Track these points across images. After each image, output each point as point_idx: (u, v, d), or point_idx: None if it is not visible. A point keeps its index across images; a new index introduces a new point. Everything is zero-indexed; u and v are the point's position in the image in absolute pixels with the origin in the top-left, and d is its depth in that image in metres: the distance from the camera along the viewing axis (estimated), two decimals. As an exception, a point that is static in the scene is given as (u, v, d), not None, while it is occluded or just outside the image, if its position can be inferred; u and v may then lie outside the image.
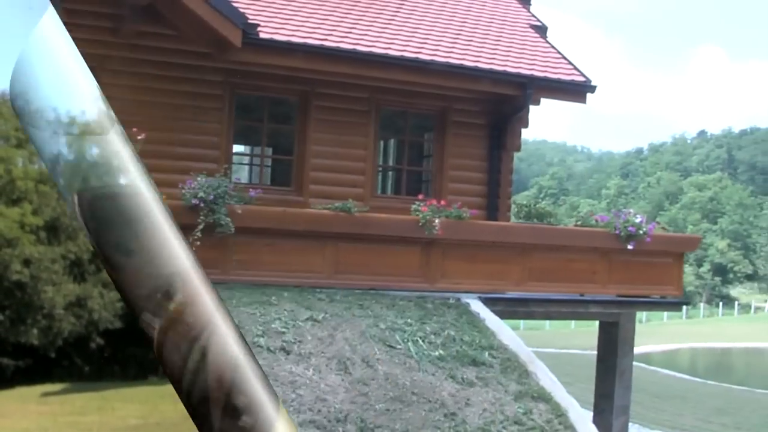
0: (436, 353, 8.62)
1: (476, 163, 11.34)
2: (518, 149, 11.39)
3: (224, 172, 9.59)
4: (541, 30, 12.30)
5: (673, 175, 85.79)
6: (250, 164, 12.32)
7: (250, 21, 8.87)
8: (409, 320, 9.18)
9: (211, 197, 8.98)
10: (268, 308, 8.58)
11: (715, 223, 68.23)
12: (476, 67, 10.43)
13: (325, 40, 9.93)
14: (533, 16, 12.68)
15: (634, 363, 12.47)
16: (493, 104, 11.32)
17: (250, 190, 9.33)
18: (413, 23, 11.24)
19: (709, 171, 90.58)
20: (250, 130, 11.21)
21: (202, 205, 8.91)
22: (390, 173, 12.62)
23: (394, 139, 12.15)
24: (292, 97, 10.70)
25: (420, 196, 10.17)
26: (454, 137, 11.23)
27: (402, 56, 10.11)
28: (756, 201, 72.30)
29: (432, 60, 10.23)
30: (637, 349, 30.50)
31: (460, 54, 10.62)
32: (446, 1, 12.28)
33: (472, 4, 12.56)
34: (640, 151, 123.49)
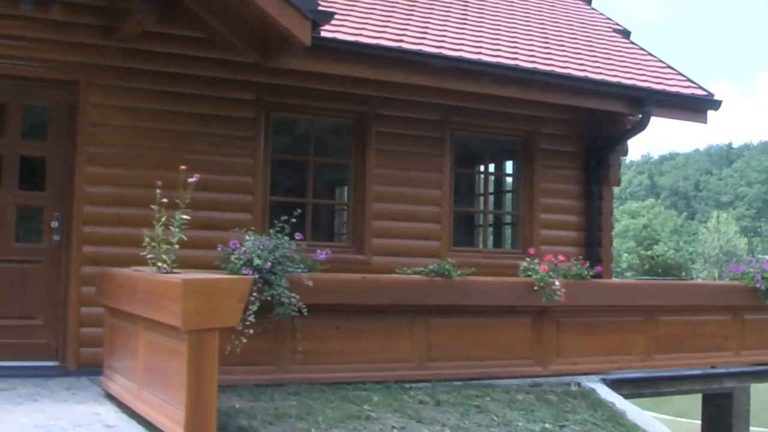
0: (604, 476, 6.07)
1: (571, 203, 8.89)
2: (619, 183, 9.04)
3: (270, 227, 6.81)
4: (626, 35, 10.09)
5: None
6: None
7: (321, 8, 6.17)
8: (545, 425, 6.58)
9: (268, 264, 6.19)
10: (369, 426, 5.82)
11: (650, 251, 67.51)
12: (586, 77, 8.03)
13: (401, 41, 7.33)
14: (609, 18, 10.49)
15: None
16: (588, 127, 8.95)
17: (318, 250, 6.56)
18: (491, 26, 8.76)
19: (633, 197, 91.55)
20: (290, 166, 8.38)
21: (256, 276, 6.11)
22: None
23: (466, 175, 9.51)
24: (345, 120, 8.01)
25: (531, 251, 7.61)
26: (543, 170, 8.77)
27: (498, 63, 7.61)
28: (690, 227, 72.85)
29: (534, 69, 7.77)
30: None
31: (560, 62, 8.21)
32: (513, 2, 9.92)
33: (540, 4, 10.25)
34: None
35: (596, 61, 8.62)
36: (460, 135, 8.49)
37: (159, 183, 5.24)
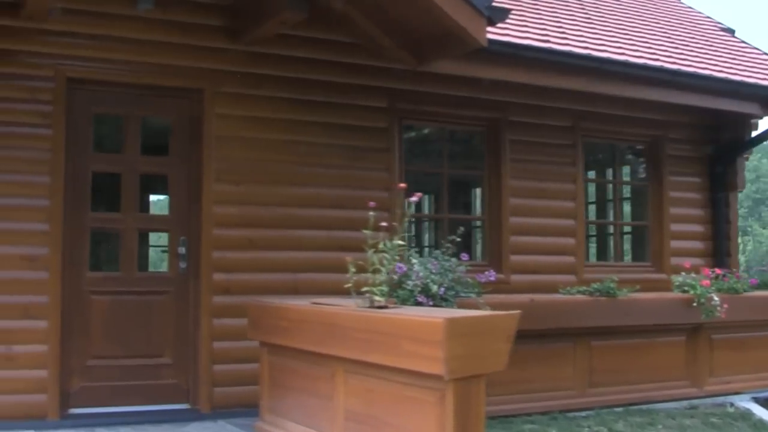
0: None
1: (697, 212, 8.37)
2: (744, 188, 8.57)
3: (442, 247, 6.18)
4: (732, 33, 9.65)
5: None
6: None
7: (495, 4, 5.56)
8: (732, 457, 6.08)
9: (441, 290, 5.56)
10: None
11: None
12: (726, 78, 7.53)
13: (548, 42, 6.76)
14: (709, 16, 10.03)
15: None
16: (711, 131, 8.46)
17: (487, 271, 5.94)
18: (617, 26, 8.18)
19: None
20: (417, 178, 7.70)
21: (431, 303, 5.48)
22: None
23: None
24: (477, 128, 7.39)
25: (687, 264, 7.08)
26: (671, 177, 8.25)
27: (645, 65, 7.07)
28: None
29: (678, 70, 7.24)
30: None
31: (697, 63, 7.70)
32: (620, 0, 9.41)
33: (645, 3, 9.74)
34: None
35: (725, 62, 8.14)
36: (589, 142, 7.92)
37: (372, 204, 4.59)
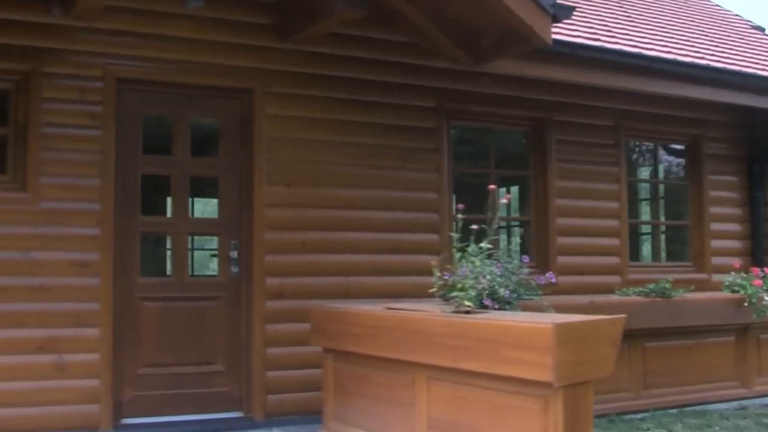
0: None
1: (735, 211, 8.34)
2: (783, 188, 8.56)
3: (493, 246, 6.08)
4: (762, 31, 9.64)
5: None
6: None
7: (560, 2, 5.46)
8: (793, 457, 6.03)
9: (507, 293, 5.46)
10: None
11: None
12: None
13: (598, 40, 6.67)
14: (737, 14, 10.02)
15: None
16: (748, 130, 8.43)
17: (549, 273, 5.85)
18: (657, 24, 8.13)
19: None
20: (461, 180, 7.60)
21: (496, 307, 5.37)
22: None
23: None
24: (523, 128, 7.29)
25: (736, 264, 7.04)
26: (710, 176, 8.21)
27: (693, 63, 7.01)
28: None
29: (724, 68, 7.19)
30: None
31: (739, 61, 7.67)
32: (656, 0, 9.36)
33: (678, 3, 9.70)
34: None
35: (764, 59, 8.12)
36: (630, 142, 7.86)
37: (460, 206, 4.47)
